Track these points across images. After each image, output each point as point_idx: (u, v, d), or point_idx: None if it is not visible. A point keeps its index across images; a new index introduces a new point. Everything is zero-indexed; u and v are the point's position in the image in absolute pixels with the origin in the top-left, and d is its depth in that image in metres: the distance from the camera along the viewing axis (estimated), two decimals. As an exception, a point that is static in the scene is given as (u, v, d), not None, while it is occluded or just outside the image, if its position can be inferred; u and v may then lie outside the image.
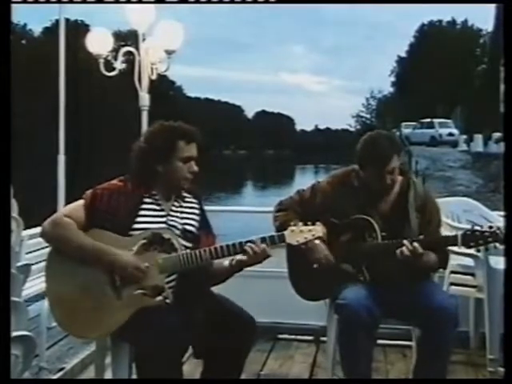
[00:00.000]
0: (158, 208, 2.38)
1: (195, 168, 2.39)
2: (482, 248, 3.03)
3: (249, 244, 2.30)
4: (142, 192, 2.37)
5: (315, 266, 2.64)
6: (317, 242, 2.47)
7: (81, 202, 2.34)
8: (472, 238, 2.46)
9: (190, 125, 2.41)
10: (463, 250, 3.21)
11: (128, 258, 2.25)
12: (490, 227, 2.47)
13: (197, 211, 2.48)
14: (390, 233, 2.59)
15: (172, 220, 2.38)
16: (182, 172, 2.36)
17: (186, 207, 2.45)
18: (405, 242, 2.48)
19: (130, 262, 2.24)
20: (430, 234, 2.56)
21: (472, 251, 3.19)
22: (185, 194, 2.46)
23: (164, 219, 2.37)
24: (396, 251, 2.49)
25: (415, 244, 2.46)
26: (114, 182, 2.39)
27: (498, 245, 2.44)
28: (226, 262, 2.38)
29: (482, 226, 2.48)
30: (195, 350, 2.37)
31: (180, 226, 2.38)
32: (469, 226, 2.54)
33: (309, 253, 2.60)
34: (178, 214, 2.41)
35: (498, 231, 2.43)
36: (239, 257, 2.34)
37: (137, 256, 2.27)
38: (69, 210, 2.35)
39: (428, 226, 2.63)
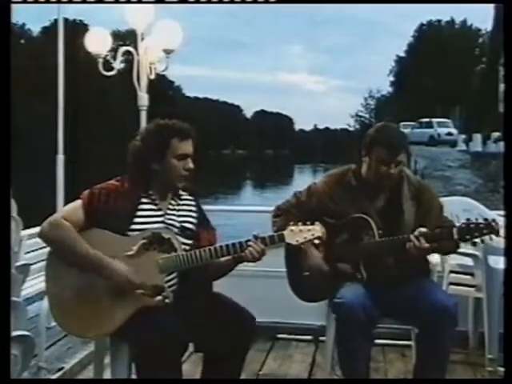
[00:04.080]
0: (155, 208, 2.38)
1: (191, 165, 2.38)
2: (481, 248, 3.06)
3: (249, 244, 2.30)
4: (138, 192, 2.37)
5: (306, 273, 2.65)
6: (311, 247, 2.47)
7: (78, 202, 2.34)
8: (467, 230, 2.45)
9: (188, 124, 2.41)
10: (463, 249, 3.23)
11: (123, 271, 2.23)
12: (485, 219, 2.46)
13: (194, 208, 2.48)
14: (386, 229, 2.58)
15: (169, 219, 2.38)
16: (177, 169, 2.36)
17: (182, 205, 2.45)
18: (412, 237, 2.46)
19: (123, 276, 2.22)
20: (432, 222, 2.55)
21: (471, 251, 3.21)
22: (181, 192, 2.46)
23: (161, 218, 2.37)
24: (405, 247, 2.48)
25: (422, 240, 2.45)
26: (111, 182, 2.39)
27: (493, 236, 2.43)
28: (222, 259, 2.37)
29: (476, 219, 2.47)
30: (196, 347, 2.37)
31: (178, 225, 2.38)
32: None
33: (302, 258, 2.61)
34: (175, 213, 2.41)
35: (493, 223, 2.43)
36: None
37: (136, 256, 2.27)
38: (67, 212, 2.35)
39: (429, 214, 2.61)
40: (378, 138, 2.60)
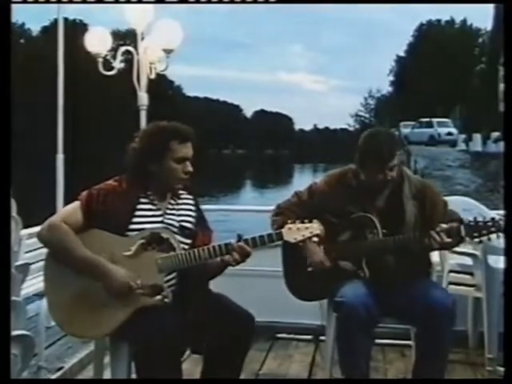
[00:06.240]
0: (153, 208, 2.38)
1: (190, 168, 2.37)
2: (481, 247, 3.07)
3: (230, 245, 2.29)
4: (137, 192, 2.37)
5: (310, 269, 2.65)
6: (313, 243, 2.46)
7: (77, 203, 2.34)
8: (475, 228, 2.48)
9: (188, 124, 2.41)
10: (462, 249, 3.23)
11: (124, 276, 2.23)
12: (492, 218, 2.49)
13: (193, 207, 2.48)
14: (388, 227, 2.59)
15: (169, 218, 2.38)
16: (176, 172, 2.35)
17: (181, 204, 2.45)
18: (432, 233, 2.48)
19: (120, 281, 2.22)
20: (438, 219, 2.56)
21: (471, 250, 3.21)
22: (180, 192, 2.46)
23: (160, 218, 2.37)
24: (408, 246, 2.50)
25: (443, 235, 2.47)
26: (110, 182, 2.39)
27: (500, 234, 2.45)
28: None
29: (484, 217, 2.49)
30: (194, 348, 2.37)
31: (177, 224, 2.38)
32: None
33: (304, 255, 2.61)
34: (175, 212, 2.41)
35: (500, 221, 2.45)
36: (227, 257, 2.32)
37: (135, 256, 2.27)
38: (65, 214, 2.34)
39: (433, 212, 2.62)
40: (366, 150, 2.59)
